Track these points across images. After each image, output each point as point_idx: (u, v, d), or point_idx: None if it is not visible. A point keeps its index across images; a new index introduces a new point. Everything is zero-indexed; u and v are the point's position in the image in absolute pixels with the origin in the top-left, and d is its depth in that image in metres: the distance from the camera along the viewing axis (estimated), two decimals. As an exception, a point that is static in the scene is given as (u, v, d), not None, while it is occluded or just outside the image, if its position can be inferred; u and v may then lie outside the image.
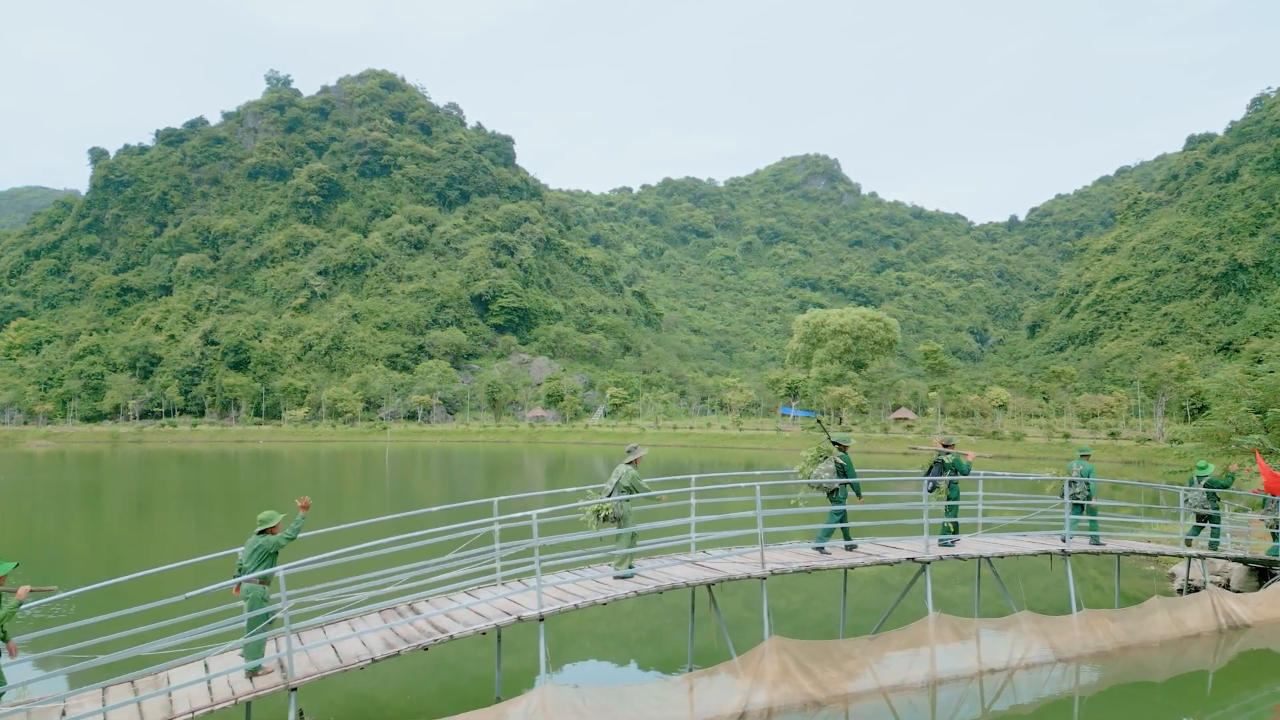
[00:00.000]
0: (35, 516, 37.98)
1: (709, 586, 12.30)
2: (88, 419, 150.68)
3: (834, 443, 14.29)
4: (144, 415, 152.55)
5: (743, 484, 13.36)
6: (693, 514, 13.29)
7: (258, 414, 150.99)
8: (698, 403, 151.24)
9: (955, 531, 15.26)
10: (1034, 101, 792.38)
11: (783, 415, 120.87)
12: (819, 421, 21.22)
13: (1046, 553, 15.18)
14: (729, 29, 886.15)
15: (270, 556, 9.99)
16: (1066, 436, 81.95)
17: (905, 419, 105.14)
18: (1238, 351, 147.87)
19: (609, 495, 12.49)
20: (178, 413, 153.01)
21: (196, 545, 28.59)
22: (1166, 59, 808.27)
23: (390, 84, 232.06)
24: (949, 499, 15.11)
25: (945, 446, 15.56)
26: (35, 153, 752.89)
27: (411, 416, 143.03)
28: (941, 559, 14.08)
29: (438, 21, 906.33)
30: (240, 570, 10.01)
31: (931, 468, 15.33)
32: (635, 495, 12.49)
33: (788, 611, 18.14)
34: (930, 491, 14.30)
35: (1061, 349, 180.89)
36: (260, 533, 10.13)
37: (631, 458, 13.04)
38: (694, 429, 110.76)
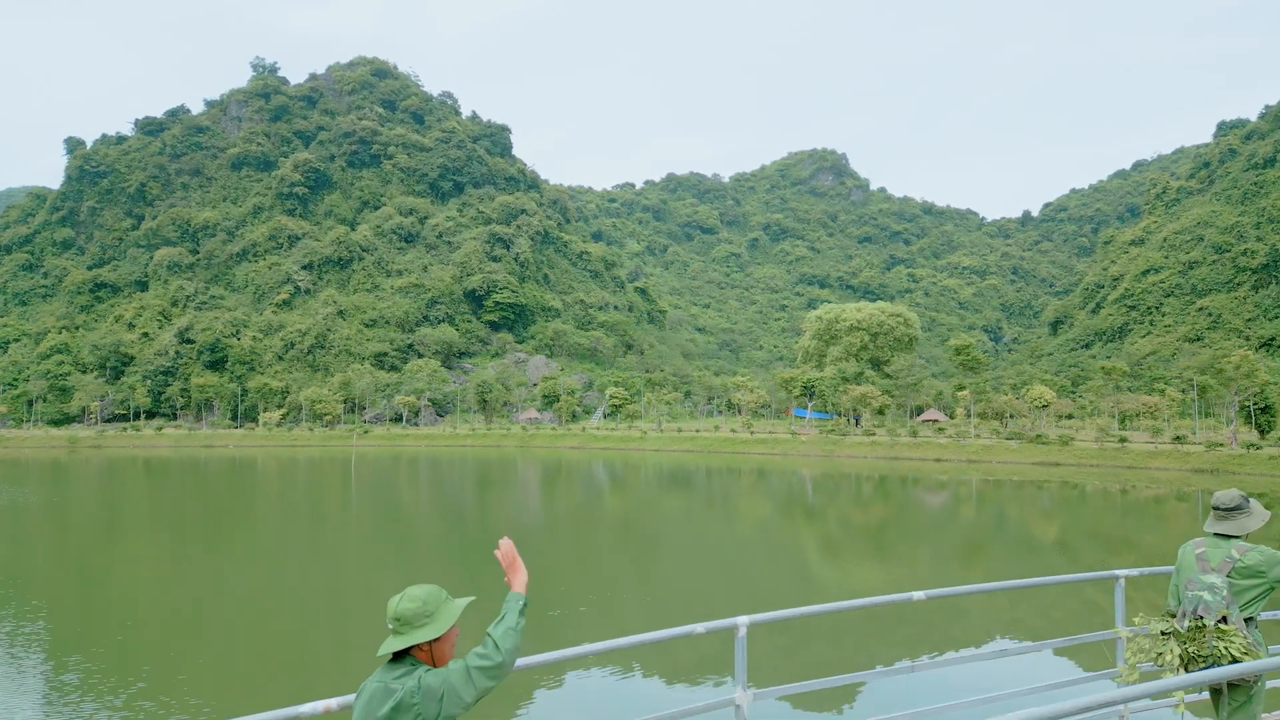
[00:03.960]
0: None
1: None
2: (55, 422, 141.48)
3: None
4: (113, 418, 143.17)
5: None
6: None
7: (233, 417, 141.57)
8: (704, 404, 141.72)
9: None
10: (1046, 98, 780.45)
11: (796, 417, 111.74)
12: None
13: None
14: (735, 32, 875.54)
15: None
16: (1123, 440, 72.52)
17: (934, 420, 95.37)
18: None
19: (1210, 616, 4.55)
20: (146, 415, 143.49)
21: (175, 579, 22.03)
22: (1179, 57, 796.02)
23: (381, 71, 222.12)
24: None
25: None
26: (42, 157, 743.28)
27: (398, 419, 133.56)
28: None
29: (443, 28, 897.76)
30: None
31: None
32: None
33: None
34: None
35: (1088, 345, 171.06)
36: (396, 659, 3.05)
37: (1242, 525, 4.77)
38: (700, 432, 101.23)
